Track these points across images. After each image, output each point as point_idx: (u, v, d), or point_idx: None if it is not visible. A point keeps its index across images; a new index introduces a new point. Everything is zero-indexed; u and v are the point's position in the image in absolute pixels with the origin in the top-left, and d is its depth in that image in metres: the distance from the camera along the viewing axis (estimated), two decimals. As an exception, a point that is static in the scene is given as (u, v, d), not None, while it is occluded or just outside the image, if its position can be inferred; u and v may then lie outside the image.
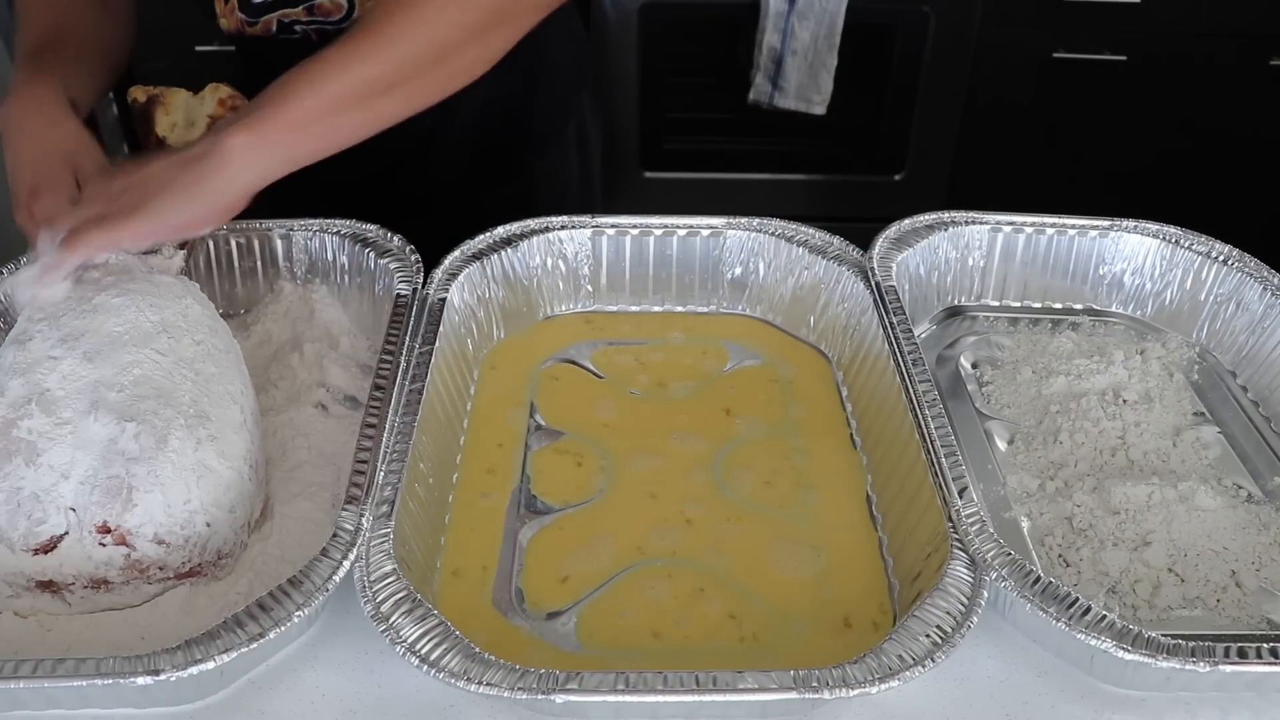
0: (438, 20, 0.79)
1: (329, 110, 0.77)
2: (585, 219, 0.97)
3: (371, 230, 0.94)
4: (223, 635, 0.59)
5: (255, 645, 0.58)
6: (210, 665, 0.57)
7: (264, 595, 0.61)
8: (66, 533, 0.63)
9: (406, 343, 0.82)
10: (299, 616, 0.60)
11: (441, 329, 0.84)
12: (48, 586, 0.64)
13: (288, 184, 0.80)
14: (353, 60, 0.78)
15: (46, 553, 0.63)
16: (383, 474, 0.70)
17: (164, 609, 0.66)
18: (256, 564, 0.70)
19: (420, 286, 0.88)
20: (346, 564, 0.63)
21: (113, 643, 0.65)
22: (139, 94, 0.92)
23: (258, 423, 0.75)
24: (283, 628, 0.60)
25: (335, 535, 0.65)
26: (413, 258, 0.90)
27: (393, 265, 0.90)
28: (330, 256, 0.94)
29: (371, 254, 0.92)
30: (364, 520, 0.66)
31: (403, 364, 0.79)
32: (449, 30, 0.80)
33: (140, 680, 0.56)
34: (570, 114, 1.18)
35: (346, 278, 0.94)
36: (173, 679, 0.57)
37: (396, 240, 0.93)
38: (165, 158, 0.77)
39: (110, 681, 0.56)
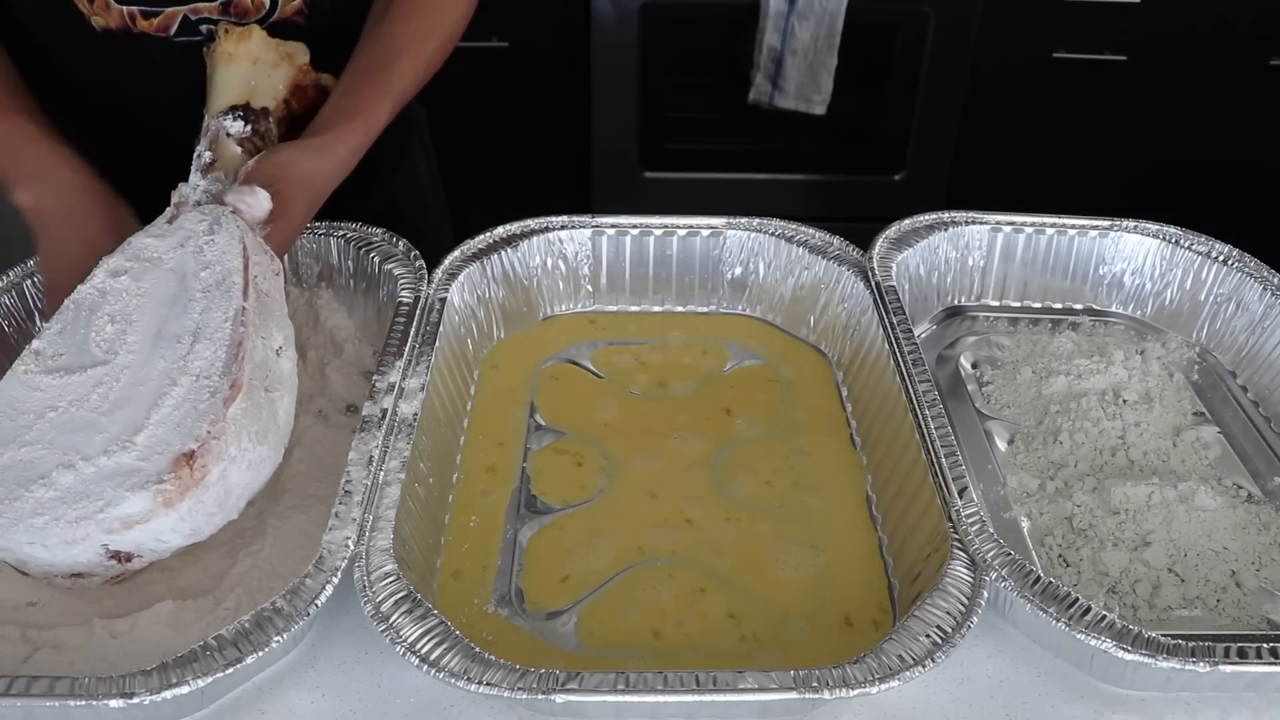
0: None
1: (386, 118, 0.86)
2: (585, 218, 0.97)
3: (377, 235, 0.93)
4: (200, 658, 0.57)
5: (232, 670, 0.57)
6: (185, 690, 0.56)
7: (245, 619, 0.60)
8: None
9: (408, 344, 0.81)
10: (278, 642, 0.59)
11: (441, 329, 0.84)
12: (79, 577, 0.65)
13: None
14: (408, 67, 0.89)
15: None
16: (383, 474, 0.70)
17: (150, 624, 0.65)
18: (246, 580, 0.69)
19: (426, 293, 0.87)
20: (329, 588, 0.62)
21: (95, 657, 0.64)
22: (223, 33, 0.88)
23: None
24: (261, 653, 0.58)
25: (321, 558, 0.63)
26: (417, 263, 0.89)
27: (398, 271, 0.89)
28: (335, 261, 0.93)
29: (376, 259, 0.91)
30: (350, 542, 0.64)
31: (402, 364, 0.79)
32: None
33: (114, 703, 0.56)
34: (411, 117, 1.16)
35: (351, 282, 0.93)
36: (146, 702, 0.56)
37: (401, 245, 0.92)
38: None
39: (84, 703, 0.56)
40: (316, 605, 0.61)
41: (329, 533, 0.65)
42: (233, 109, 0.84)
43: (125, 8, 0.90)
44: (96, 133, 0.98)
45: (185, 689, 0.56)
